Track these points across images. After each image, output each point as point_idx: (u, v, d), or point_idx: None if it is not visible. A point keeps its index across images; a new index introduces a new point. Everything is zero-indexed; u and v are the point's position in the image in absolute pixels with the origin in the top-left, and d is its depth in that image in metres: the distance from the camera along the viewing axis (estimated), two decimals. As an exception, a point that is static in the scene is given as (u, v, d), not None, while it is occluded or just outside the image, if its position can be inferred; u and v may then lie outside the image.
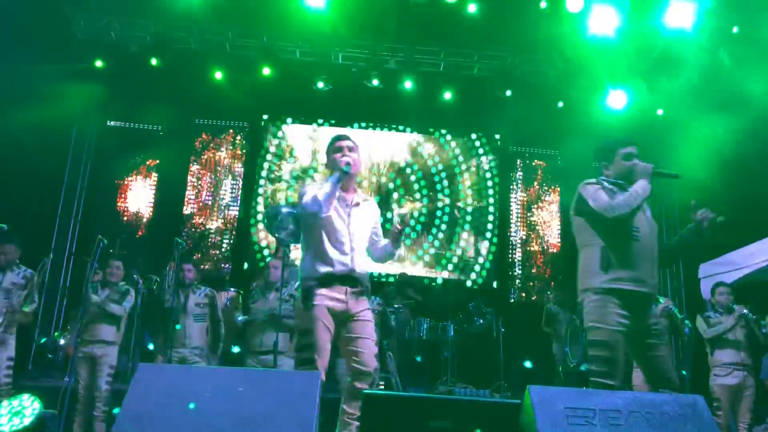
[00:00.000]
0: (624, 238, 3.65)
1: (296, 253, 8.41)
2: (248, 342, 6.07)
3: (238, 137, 10.54)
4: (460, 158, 10.66)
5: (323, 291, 3.56)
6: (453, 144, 10.71)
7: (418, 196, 10.43)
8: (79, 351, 5.90)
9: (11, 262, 5.88)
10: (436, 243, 10.23)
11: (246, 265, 9.82)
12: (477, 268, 10.22)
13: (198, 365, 5.86)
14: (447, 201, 10.48)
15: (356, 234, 3.75)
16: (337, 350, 3.69)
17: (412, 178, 10.47)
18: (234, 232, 10.16)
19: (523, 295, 10.45)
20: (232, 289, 7.47)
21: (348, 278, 3.62)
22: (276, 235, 5.66)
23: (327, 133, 10.44)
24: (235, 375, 2.88)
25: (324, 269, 3.61)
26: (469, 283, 10.14)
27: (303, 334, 3.55)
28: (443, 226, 10.32)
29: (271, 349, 5.76)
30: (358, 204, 3.83)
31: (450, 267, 10.11)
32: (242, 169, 10.40)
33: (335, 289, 3.59)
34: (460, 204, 10.48)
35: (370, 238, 3.90)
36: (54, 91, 8.64)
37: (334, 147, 3.84)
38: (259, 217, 10.06)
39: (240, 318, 6.02)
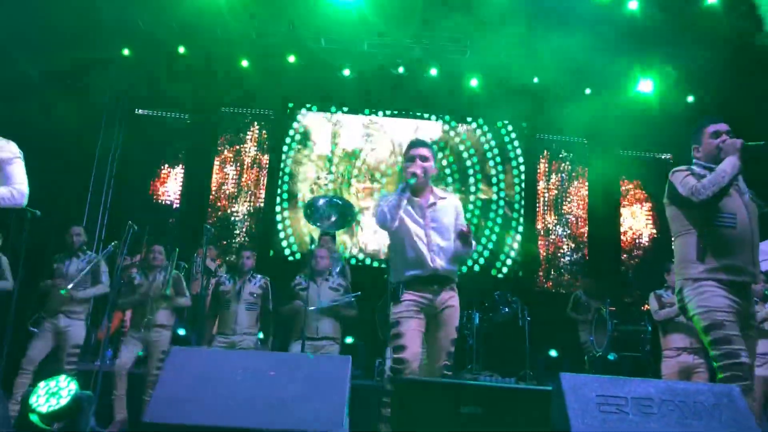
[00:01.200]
0: (719, 225, 3.51)
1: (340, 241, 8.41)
2: (301, 328, 6.01)
3: (264, 126, 10.56)
4: (486, 146, 10.57)
5: (410, 291, 3.83)
6: (478, 132, 10.63)
7: (445, 183, 10.37)
8: (131, 335, 6.03)
9: (80, 248, 6.14)
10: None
11: (272, 253, 9.86)
12: (502, 257, 10.15)
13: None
14: (473, 189, 10.41)
15: (435, 234, 3.91)
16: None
17: (439, 165, 10.39)
18: (259, 220, 10.20)
19: (549, 284, 10.36)
20: (260, 276, 7.51)
21: (432, 279, 3.83)
22: (316, 225, 5.94)
23: (352, 120, 10.46)
24: (266, 358, 2.91)
25: (409, 272, 3.86)
26: (494, 272, 10.07)
27: (393, 325, 3.83)
28: (469, 215, 10.26)
29: (327, 336, 6.05)
30: (434, 204, 4.00)
31: (475, 256, 10.05)
32: (267, 157, 10.43)
33: (420, 289, 3.82)
34: (486, 193, 10.40)
35: (455, 232, 4.01)
36: (82, 79, 8.74)
37: (408, 155, 4.04)
38: (285, 204, 10.12)
39: (313, 308, 6.00)
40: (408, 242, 3.89)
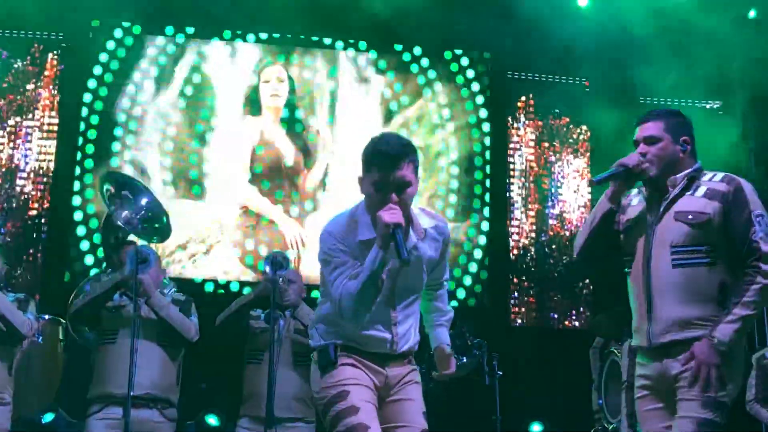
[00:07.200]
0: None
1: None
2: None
3: (53, 55, 7.69)
4: (429, 88, 7.85)
5: (353, 355, 2.85)
6: (420, 66, 7.88)
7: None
8: None
9: None
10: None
11: (67, 277, 6.85)
12: (457, 273, 7.38)
13: None
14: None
15: (405, 291, 2.81)
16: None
17: (356, 118, 7.54)
18: (49, 197, 7.42)
19: (534, 314, 7.76)
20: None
21: (389, 357, 2.86)
22: (113, 210, 4.69)
23: (203, 48, 7.67)
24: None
25: (357, 346, 2.81)
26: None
27: (335, 399, 2.92)
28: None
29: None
30: (414, 247, 2.79)
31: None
32: (57, 104, 7.52)
33: (370, 366, 2.83)
34: (428, 169, 7.70)
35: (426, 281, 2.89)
36: None
37: (378, 177, 2.57)
38: (88, 179, 7.23)
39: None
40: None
